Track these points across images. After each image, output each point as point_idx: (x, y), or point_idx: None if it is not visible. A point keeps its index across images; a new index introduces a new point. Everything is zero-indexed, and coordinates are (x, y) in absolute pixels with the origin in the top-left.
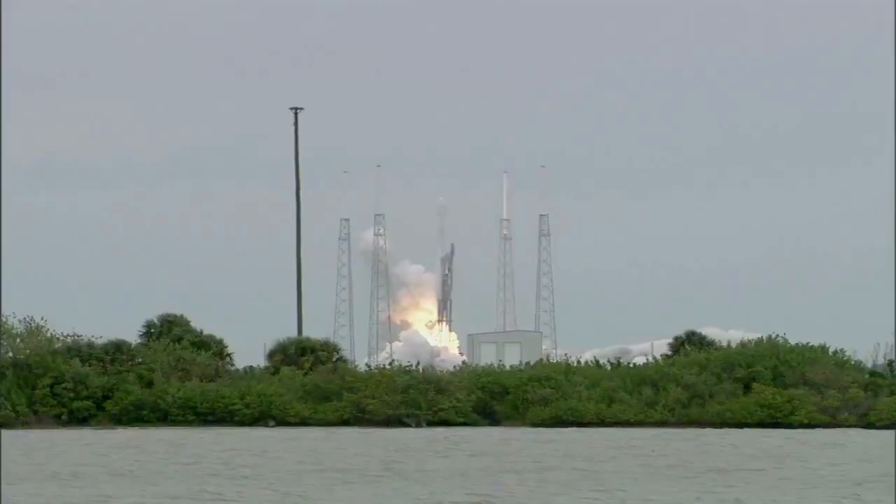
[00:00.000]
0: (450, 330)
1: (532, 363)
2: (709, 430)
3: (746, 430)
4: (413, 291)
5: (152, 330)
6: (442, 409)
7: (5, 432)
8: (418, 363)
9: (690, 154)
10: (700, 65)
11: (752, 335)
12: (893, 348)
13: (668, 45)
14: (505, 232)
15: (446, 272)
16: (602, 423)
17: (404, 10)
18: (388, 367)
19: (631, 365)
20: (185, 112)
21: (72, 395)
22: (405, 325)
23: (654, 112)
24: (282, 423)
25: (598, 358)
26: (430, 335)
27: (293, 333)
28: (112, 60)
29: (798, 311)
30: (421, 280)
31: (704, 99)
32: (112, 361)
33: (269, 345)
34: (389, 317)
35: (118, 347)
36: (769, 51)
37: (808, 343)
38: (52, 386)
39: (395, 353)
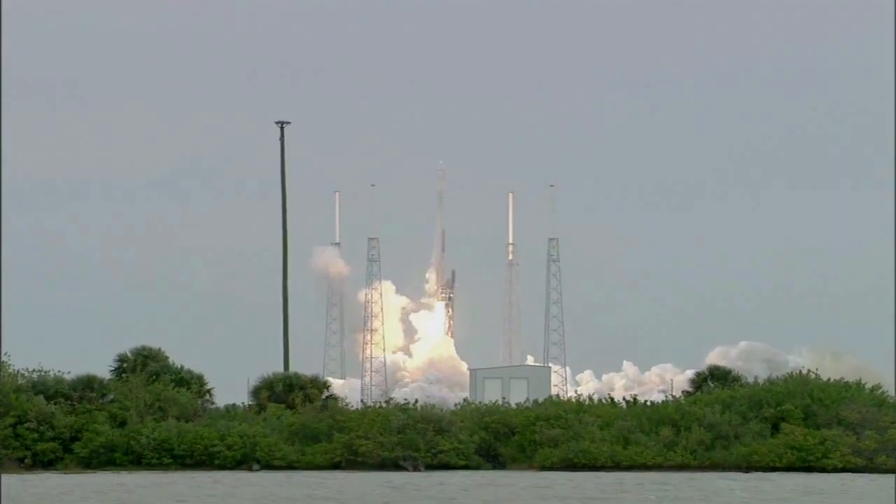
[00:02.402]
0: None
1: (540, 401)
2: (734, 474)
3: (774, 475)
4: (408, 327)
5: (125, 365)
6: (442, 452)
7: None
8: (416, 401)
9: (704, 175)
10: (710, 87)
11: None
12: None
13: (678, 65)
14: (511, 257)
15: (447, 300)
16: (617, 467)
17: (401, 27)
18: (383, 404)
19: (649, 403)
20: (164, 132)
21: (36, 435)
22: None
23: (666, 132)
24: (267, 466)
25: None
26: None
27: (279, 368)
28: (88, 77)
29: (818, 335)
30: (418, 311)
31: (714, 119)
32: (81, 399)
33: (254, 381)
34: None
35: (88, 384)
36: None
37: (841, 379)
38: (14, 426)
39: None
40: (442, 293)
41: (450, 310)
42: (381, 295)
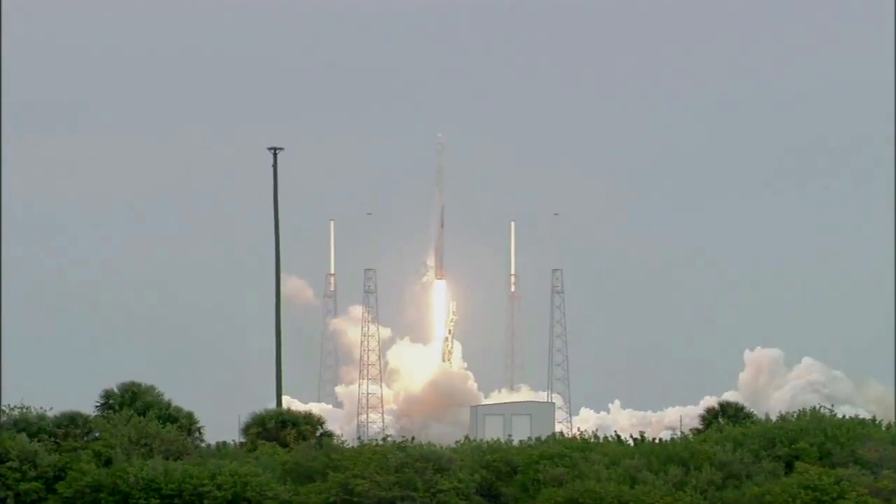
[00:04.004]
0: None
1: (544, 438)
2: None
3: None
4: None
5: (112, 401)
6: (441, 491)
7: None
8: (413, 438)
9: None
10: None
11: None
12: None
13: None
14: (513, 289)
15: (447, 335)
16: None
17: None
18: (380, 441)
19: (657, 440)
20: (153, 161)
21: (18, 475)
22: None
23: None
24: None
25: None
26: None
27: (271, 405)
28: (75, 103)
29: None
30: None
31: (722, 147)
32: (65, 437)
33: (245, 418)
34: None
35: (72, 420)
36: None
37: (857, 416)
38: None
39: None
40: (440, 271)
41: (449, 343)
42: (377, 328)
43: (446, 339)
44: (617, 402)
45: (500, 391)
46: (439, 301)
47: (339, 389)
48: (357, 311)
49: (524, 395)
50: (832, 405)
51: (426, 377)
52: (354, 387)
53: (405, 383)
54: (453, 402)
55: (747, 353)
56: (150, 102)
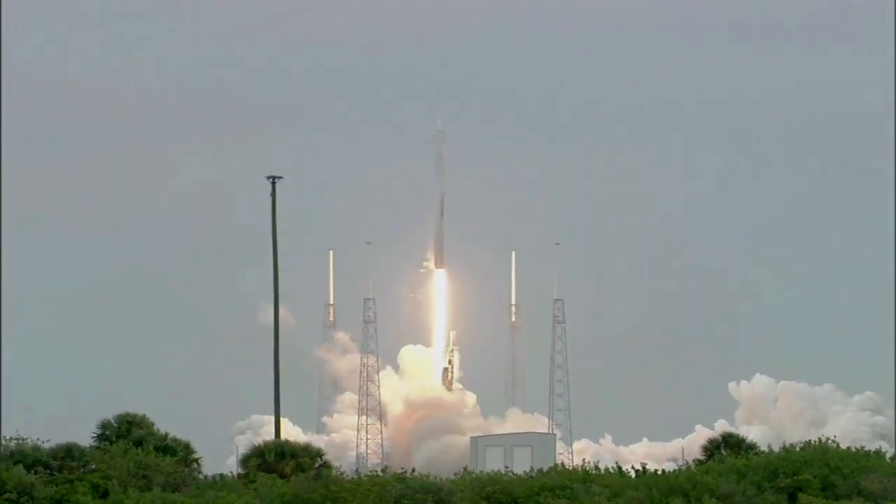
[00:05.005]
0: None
1: (545, 469)
2: None
3: None
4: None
5: (108, 432)
6: None
7: None
8: (413, 469)
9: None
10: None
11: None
12: None
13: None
14: (513, 319)
15: (447, 364)
16: None
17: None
18: (379, 473)
19: (659, 471)
20: (149, 184)
21: None
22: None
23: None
24: None
25: None
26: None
27: (270, 436)
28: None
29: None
30: (418, 373)
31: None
32: (61, 468)
33: (243, 449)
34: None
35: (69, 452)
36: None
37: (862, 448)
38: None
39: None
40: (438, 262)
41: (450, 374)
42: (377, 358)
43: (446, 368)
44: (609, 436)
45: (501, 416)
46: (440, 330)
47: (338, 419)
48: (356, 339)
49: (519, 419)
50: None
51: (426, 405)
52: (353, 417)
53: (404, 412)
54: (453, 431)
55: (781, 385)
56: (144, 129)
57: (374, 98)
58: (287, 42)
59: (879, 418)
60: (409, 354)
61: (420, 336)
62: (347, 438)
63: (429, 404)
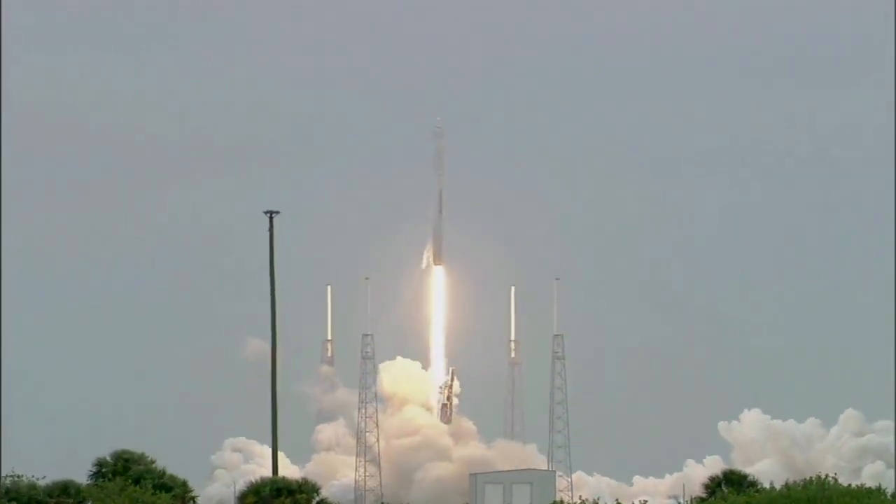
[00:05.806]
0: None
1: None
2: None
3: None
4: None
5: (105, 469)
6: None
7: None
8: None
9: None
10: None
11: None
12: None
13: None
14: (513, 355)
15: (446, 401)
16: None
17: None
18: None
19: None
20: (139, 218)
21: None
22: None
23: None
24: None
25: None
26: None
27: (266, 472)
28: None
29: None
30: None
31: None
32: None
33: (240, 485)
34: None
35: (64, 489)
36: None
37: (862, 485)
38: None
39: None
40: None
41: (449, 409)
42: (375, 395)
43: (445, 404)
44: (606, 472)
45: (500, 451)
46: (437, 364)
47: (336, 454)
48: (353, 375)
49: (518, 453)
50: None
51: (424, 440)
52: (347, 451)
53: (402, 446)
54: (450, 466)
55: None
56: (141, 164)
57: (371, 132)
58: (288, 81)
59: (869, 437)
60: (401, 372)
61: (417, 354)
62: (336, 469)
63: (427, 441)
